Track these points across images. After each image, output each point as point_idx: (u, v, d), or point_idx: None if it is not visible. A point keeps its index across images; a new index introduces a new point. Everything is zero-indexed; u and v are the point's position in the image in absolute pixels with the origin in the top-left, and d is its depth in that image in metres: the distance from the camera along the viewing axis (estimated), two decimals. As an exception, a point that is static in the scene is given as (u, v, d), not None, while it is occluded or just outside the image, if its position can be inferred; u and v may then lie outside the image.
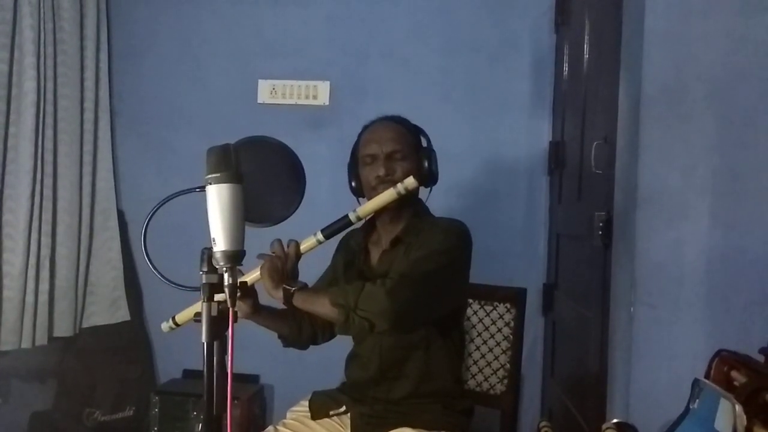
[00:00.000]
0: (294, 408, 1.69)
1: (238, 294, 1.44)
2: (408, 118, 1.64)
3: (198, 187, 1.03)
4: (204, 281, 1.02)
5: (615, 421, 1.44)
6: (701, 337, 1.48)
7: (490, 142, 2.67)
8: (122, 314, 2.68)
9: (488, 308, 1.99)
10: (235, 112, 2.78)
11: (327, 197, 2.37)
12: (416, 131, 1.61)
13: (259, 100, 2.77)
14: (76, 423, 2.49)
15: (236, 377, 2.78)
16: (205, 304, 1.02)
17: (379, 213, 1.54)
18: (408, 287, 1.38)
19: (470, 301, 2.01)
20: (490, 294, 1.99)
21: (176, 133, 2.84)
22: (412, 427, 1.49)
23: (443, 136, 2.63)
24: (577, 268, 2.19)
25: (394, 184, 1.43)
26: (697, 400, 1.32)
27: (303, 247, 1.39)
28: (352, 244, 1.66)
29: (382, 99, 2.65)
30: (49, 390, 2.55)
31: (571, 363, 2.23)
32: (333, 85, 2.74)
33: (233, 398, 2.49)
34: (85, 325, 2.64)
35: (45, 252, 2.41)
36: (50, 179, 2.45)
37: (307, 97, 2.73)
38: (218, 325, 1.02)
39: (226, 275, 1.00)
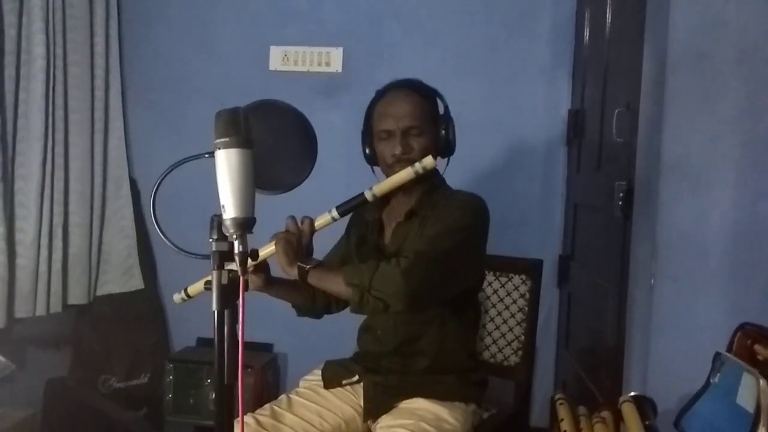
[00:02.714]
0: (307, 377, 1.68)
1: (251, 267, 1.46)
2: None
3: (207, 153, 0.99)
4: (214, 249, 1.00)
5: (632, 394, 1.42)
6: (724, 311, 1.45)
7: (508, 110, 2.61)
8: (136, 282, 2.69)
9: (503, 280, 1.96)
10: (247, 79, 2.73)
11: (341, 167, 2.33)
12: (433, 97, 1.54)
13: (271, 67, 2.72)
14: (91, 389, 2.51)
15: (249, 346, 2.79)
16: (215, 272, 0.99)
17: (396, 188, 1.51)
18: (423, 267, 1.35)
19: (486, 272, 1.98)
20: (505, 265, 1.96)
21: (187, 100, 2.80)
22: (426, 397, 1.48)
23: (459, 103, 2.56)
24: (594, 240, 2.15)
25: (411, 162, 1.39)
26: (719, 375, 1.29)
27: (317, 224, 1.37)
28: (367, 217, 1.62)
29: (396, 65, 2.59)
30: (64, 357, 2.57)
31: (587, 335, 2.20)
32: (346, 52, 2.68)
33: (246, 367, 2.51)
34: (99, 293, 2.65)
35: (57, 220, 2.40)
36: (61, 147, 2.43)
37: (319, 64, 2.68)
38: (229, 293, 1.00)
39: (236, 243, 0.97)
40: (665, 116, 1.49)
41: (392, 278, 1.32)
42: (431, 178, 1.52)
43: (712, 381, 1.31)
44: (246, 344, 2.91)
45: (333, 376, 1.61)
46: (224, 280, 0.99)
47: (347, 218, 1.69)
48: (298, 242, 1.35)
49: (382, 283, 1.32)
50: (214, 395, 2.50)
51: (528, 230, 2.60)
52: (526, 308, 1.91)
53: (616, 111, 1.76)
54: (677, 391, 1.44)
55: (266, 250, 1.36)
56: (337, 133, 2.37)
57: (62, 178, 2.43)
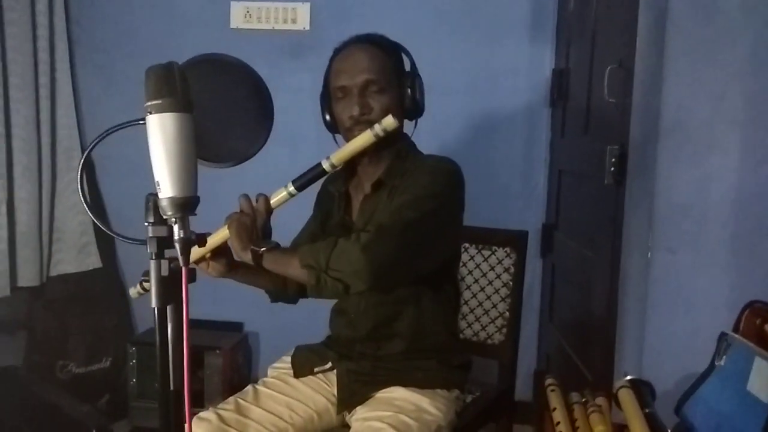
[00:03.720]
0: (275, 365, 1.54)
1: (208, 254, 1.30)
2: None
3: (138, 120, 0.83)
4: (150, 234, 0.84)
5: (629, 378, 1.31)
6: (726, 286, 1.34)
7: (487, 71, 2.44)
8: (93, 261, 2.51)
9: (486, 253, 1.83)
10: (206, 39, 2.52)
11: (312, 133, 2.16)
12: (397, 52, 1.37)
13: (232, 25, 2.51)
14: (48, 376, 2.36)
15: (218, 325, 2.64)
16: (153, 262, 0.84)
17: (361, 155, 1.35)
18: (387, 241, 1.20)
19: (466, 245, 1.85)
20: (488, 237, 1.83)
21: (142, 63, 2.52)
22: (405, 386, 1.35)
23: (435, 64, 2.40)
24: (581, 208, 2.02)
25: (371, 124, 1.22)
26: (725, 357, 1.18)
27: (273, 201, 1.21)
28: (332, 191, 1.47)
29: (368, 22, 2.35)
30: (17, 344, 2.39)
31: (573, 308, 2.09)
32: (314, 7, 2.48)
33: (214, 348, 2.37)
34: (52, 273, 2.46)
35: (1, 195, 2.20)
36: (1, 114, 2.21)
37: (285, 21, 2.47)
38: (171, 286, 0.84)
39: (176, 227, 0.82)
40: (665, 73, 1.36)
41: (351, 256, 1.17)
42: (398, 143, 1.37)
43: (717, 363, 1.20)
44: (214, 324, 2.76)
45: (304, 364, 1.48)
46: (164, 272, 0.84)
47: (315, 193, 1.54)
48: (252, 223, 1.19)
49: (341, 261, 1.17)
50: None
51: (509, 199, 2.47)
52: (511, 283, 1.79)
53: (608, 68, 1.61)
54: (675, 373, 1.35)
55: (219, 235, 1.21)
56: (306, 95, 2.16)
57: (3, 148, 2.22)
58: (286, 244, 1.31)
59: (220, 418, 1.33)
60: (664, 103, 1.35)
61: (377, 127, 1.18)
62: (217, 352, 2.36)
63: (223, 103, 0.90)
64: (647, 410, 1.18)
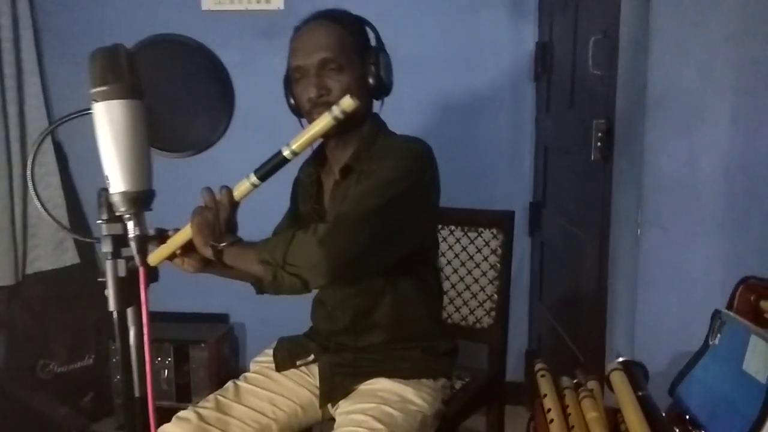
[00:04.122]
0: (257, 358, 1.49)
1: (178, 250, 1.23)
2: (367, 18, 1.32)
3: (84, 110, 0.76)
4: (105, 233, 0.78)
5: (621, 359, 1.26)
6: (719, 261, 1.30)
7: (468, 45, 2.37)
8: (70, 257, 2.43)
9: (472, 235, 1.77)
10: (176, 23, 2.42)
11: (290, 118, 2.08)
12: (359, 27, 1.29)
13: (204, 7, 2.42)
14: (30, 376, 2.29)
15: (203, 318, 2.57)
16: (109, 262, 0.78)
17: (326, 138, 1.29)
18: (346, 232, 1.13)
19: (452, 228, 1.80)
20: (473, 219, 1.78)
21: None
22: (389, 377, 1.30)
23: (413, 39, 2.34)
24: (568, 185, 1.97)
25: (330, 106, 1.12)
26: (719, 335, 1.14)
27: (236, 193, 1.14)
28: (303, 178, 1.40)
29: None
30: (-4, 344, 2.33)
31: (562, 287, 2.05)
32: (288, -15, 2.39)
33: (198, 342, 2.32)
34: (29, 271, 2.39)
35: (-31, 193, 2.12)
36: (-36, 108, 2.12)
37: (258, 1, 2.38)
38: (129, 287, 0.79)
39: (130, 224, 0.76)
40: (650, 42, 1.30)
41: (308, 249, 1.10)
42: (366, 124, 1.30)
43: (711, 342, 1.16)
44: (199, 316, 2.68)
45: (286, 356, 1.42)
46: (121, 272, 0.78)
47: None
48: (215, 218, 1.13)
49: (297, 256, 1.11)
50: (165, 373, 2.36)
51: (495, 177, 2.42)
52: (498, 265, 1.74)
53: (592, 39, 1.54)
54: (669, 352, 1.31)
55: (185, 230, 1.15)
56: (282, 78, 2.10)
57: (-31, 143, 2.14)
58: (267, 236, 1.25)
59: (200, 417, 1.28)
60: (650, 73, 1.30)
61: (335, 109, 1.11)
62: (202, 345, 2.31)
63: (180, 88, 0.84)
64: (640, 393, 1.14)
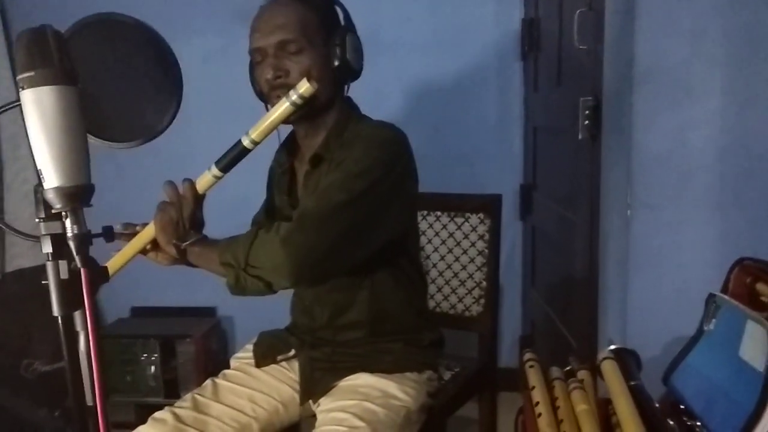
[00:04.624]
0: (238, 354, 1.44)
1: (148, 245, 1.18)
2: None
3: (14, 102, 0.70)
4: (43, 232, 0.72)
5: (612, 347, 1.21)
6: (713, 242, 1.24)
7: (452, 25, 2.29)
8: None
9: (459, 221, 1.72)
10: (150, 8, 2.33)
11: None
12: (325, 6, 1.20)
13: (180, -8, 2.34)
14: (14, 377, 2.24)
15: (190, 312, 2.51)
16: (49, 263, 0.72)
17: (296, 125, 1.23)
18: (310, 230, 1.06)
19: (438, 213, 1.74)
20: (459, 204, 1.72)
21: None
22: (370, 372, 1.25)
23: (396, 21, 2.26)
24: (558, 166, 1.91)
25: (289, 89, 1.08)
26: (713, 320, 1.09)
27: (200, 186, 1.09)
28: (275, 167, 1.34)
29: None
30: (-23, 344, 2.28)
31: (555, 273, 2.00)
32: (265, -33, 2.31)
33: (184, 336, 2.26)
34: (8, 269, 2.33)
35: (-59, 191, 2.06)
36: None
37: (234, -16, 2.30)
38: (74, 289, 0.73)
39: (68, 222, 0.69)
40: (636, 12, 1.23)
41: (270, 249, 1.05)
42: (335, 109, 1.23)
43: (705, 328, 1.11)
44: (186, 310, 2.62)
45: (266, 352, 1.37)
46: (63, 274, 0.72)
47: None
48: (178, 214, 1.07)
49: (260, 257, 1.05)
50: (152, 369, 2.31)
51: (484, 161, 2.35)
52: (486, 251, 1.69)
53: (577, 12, 1.47)
54: (662, 338, 1.26)
55: (147, 229, 1.09)
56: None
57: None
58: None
59: (177, 417, 1.23)
60: (637, 45, 1.24)
61: (292, 94, 1.04)
62: (188, 340, 2.26)
63: (120, 72, 0.77)
64: (632, 382, 1.09)
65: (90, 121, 0.73)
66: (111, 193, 2.28)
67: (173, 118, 0.82)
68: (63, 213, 0.69)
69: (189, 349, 2.27)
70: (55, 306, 0.73)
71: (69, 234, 0.70)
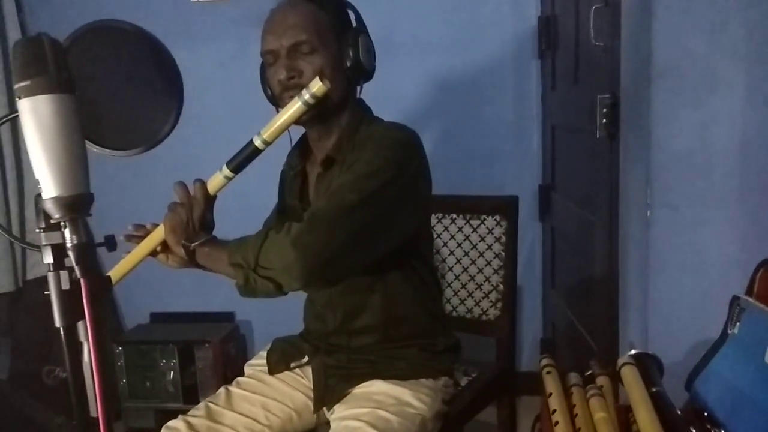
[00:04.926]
0: (252, 361, 1.43)
1: (159, 248, 1.18)
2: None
3: (14, 113, 0.69)
4: (44, 242, 0.71)
5: (633, 352, 1.17)
6: (736, 242, 1.20)
7: (468, 23, 2.26)
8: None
9: (475, 223, 1.68)
10: (164, 16, 2.35)
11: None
12: (337, 7, 1.20)
13: (193, -2, 2.34)
14: (36, 382, 2.27)
15: (208, 317, 2.51)
16: (51, 274, 0.71)
17: (308, 127, 1.21)
18: (320, 230, 1.05)
19: (453, 216, 1.71)
20: (475, 206, 1.69)
21: None
22: (384, 378, 1.23)
23: (411, 20, 2.24)
24: (576, 166, 1.87)
25: (302, 89, 1.08)
26: (738, 324, 1.04)
27: (211, 187, 1.09)
28: (287, 170, 1.33)
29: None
30: (1, 351, 2.31)
31: (574, 274, 1.96)
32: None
33: (203, 342, 2.26)
34: (29, 276, 2.36)
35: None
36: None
37: (247, -11, 2.30)
38: (77, 300, 0.72)
39: (67, 232, 0.69)
40: (654, 8, 1.19)
41: (281, 251, 1.03)
42: (348, 111, 1.21)
43: (729, 331, 1.06)
44: (204, 316, 2.62)
45: (279, 359, 1.36)
46: (65, 284, 0.71)
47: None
48: (188, 215, 1.06)
49: (270, 258, 1.04)
50: (171, 375, 2.32)
51: (501, 161, 2.31)
52: (503, 253, 1.65)
53: (593, 8, 1.44)
54: (685, 342, 1.21)
55: (158, 230, 1.09)
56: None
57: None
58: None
59: (190, 426, 1.22)
60: (655, 41, 1.20)
61: (305, 93, 1.04)
62: (206, 345, 2.26)
63: (120, 79, 0.76)
64: (654, 389, 1.05)
65: (90, 129, 0.72)
66: (129, 198, 2.30)
67: (174, 125, 0.81)
68: (62, 223, 0.68)
69: (207, 355, 2.28)
70: (57, 317, 0.72)
71: (68, 244, 0.69)
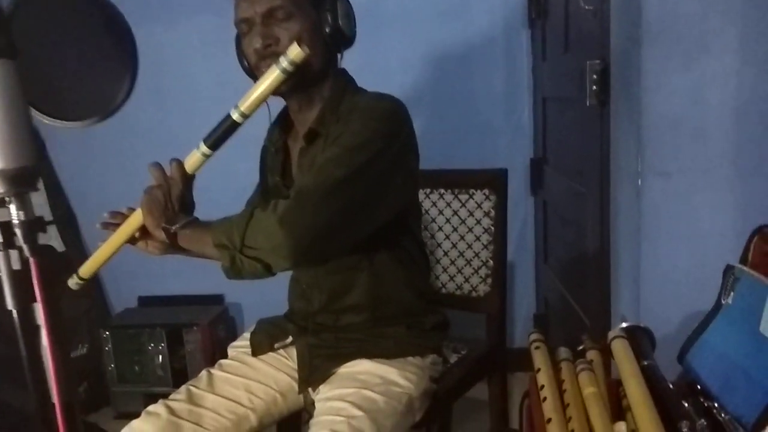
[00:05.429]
0: (235, 343, 1.40)
1: (136, 233, 1.13)
2: None
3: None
4: (-9, 219, 0.67)
5: (624, 325, 1.14)
6: (730, 209, 1.15)
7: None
8: (54, 245, 2.34)
9: (463, 198, 1.64)
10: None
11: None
12: None
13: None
14: (13, 366, 2.23)
15: (197, 300, 2.46)
16: (0, 254, 0.67)
17: (288, 98, 1.16)
18: (308, 207, 1.01)
19: (441, 191, 1.67)
20: (463, 180, 1.65)
21: None
22: (370, 357, 1.19)
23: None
24: (567, 137, 1.82)
25: (279, 57, 1.01)
26: (732, 293, 1.01)
27: (188, 166, 1.04)
28: (269, 146, 1.28)
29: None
30: (-14, 337, 2.27)
31: (566, 248, 1.92)
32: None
33: (191, 325, 2.23)
34: (13, 262, 2.31)
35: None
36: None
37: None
38: (28, 281, 0.68)
39: (12, 208, 0.64)
40: (643, -36, 1.13)
41: (267, 229, 0.99)
42: (330, 81, 1.16)
43: (723, 302, 1.03)
44: (193, 298, 2.57)
45: (263, 340, 1.33)
46: (15, 264, 0.67)
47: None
48: (166, 196, 1.02)
49: (257, 237, 0.99)
50: (159, 359, 2.29)
51: (493, 135, 2.26)
52: (492, 228, 1.61)
53: (581, -31, 1.38)
54: (678, 314, 1.18)
55: (135, 215, 1.04)
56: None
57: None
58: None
59: (171, 410, 1.19)
60: (645, 1, 1.13)
61: (283, 60, 0.98)
62: (195, 328, 2.22)
63: (68, 44, 0.71)
64: (645, 362, 1.02)
65: (39, 98, 0.67)
66: (117, 185, 2.25)
67: (128, 94, 0.76)
68: (6, 199, 0.64)
69: (196, 338, 2.24)
70: (8, 299, 0.68)
71: (15, 221, 0.65)
